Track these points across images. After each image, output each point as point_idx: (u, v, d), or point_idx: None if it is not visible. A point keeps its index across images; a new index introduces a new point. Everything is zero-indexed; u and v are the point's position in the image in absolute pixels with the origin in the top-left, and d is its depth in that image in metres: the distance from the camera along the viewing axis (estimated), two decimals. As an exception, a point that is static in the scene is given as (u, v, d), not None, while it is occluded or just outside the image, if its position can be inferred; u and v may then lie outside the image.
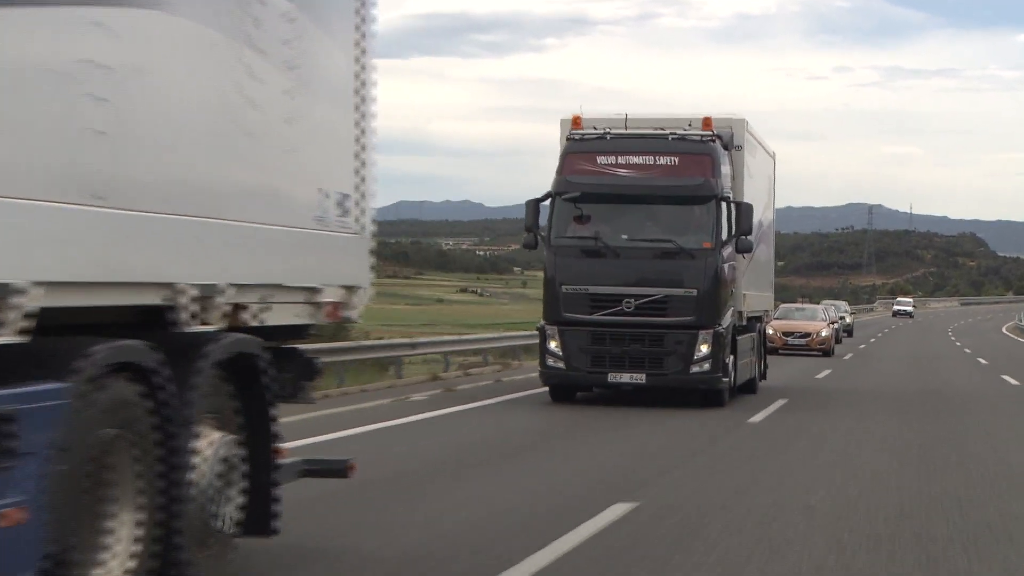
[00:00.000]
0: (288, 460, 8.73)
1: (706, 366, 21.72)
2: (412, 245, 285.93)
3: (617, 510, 11.28)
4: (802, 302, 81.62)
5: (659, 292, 21.68)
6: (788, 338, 45.15)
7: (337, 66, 8.99)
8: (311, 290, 8.70)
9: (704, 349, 21.71)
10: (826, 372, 35.52)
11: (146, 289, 6.77)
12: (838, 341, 55.57)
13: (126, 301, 6.63)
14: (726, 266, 22.21)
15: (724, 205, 22.01)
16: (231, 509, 7.66)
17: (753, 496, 12.47)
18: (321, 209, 8.71)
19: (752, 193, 24.51)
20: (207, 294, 7.28)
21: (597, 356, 21.84)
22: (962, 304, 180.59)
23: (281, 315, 8.29)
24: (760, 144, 26.17)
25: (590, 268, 21.94)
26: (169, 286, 6.93)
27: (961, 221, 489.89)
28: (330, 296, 8.98)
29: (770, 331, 44.81)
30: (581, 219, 22.15)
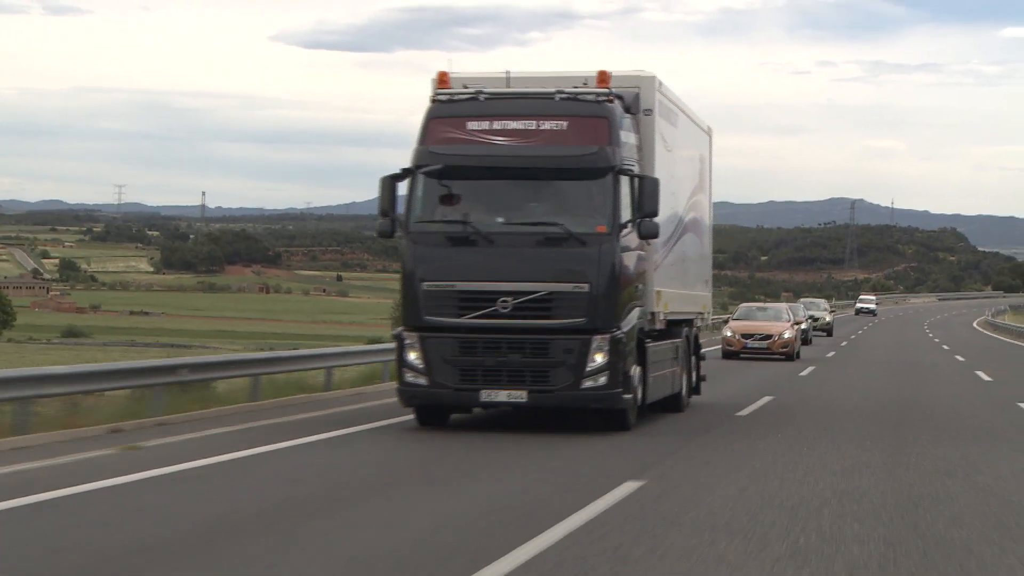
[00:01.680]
0: None
1: (601, 379, 17.49)
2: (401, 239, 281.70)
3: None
4: (786, 296, 79.22)
5: (542, 288, 17.45)
6: (748, 340, 41.21)
7: None
8: None
9: (599, 359, 17.47)
10: (765, 399, 31.41)
11: None
12: (807, 342, 51.82)
13: None
14: (628, 255, 18.00)
15: (625, 180, 17.79)
16: None
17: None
18: None
19: (669, 169, 20.31)
20: None
21: (467, 369, 17.59)
22: (940, 300, 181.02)
23: None
24: (683, 112, 21.90)
25: (457, 259, 17.70)
26: None
27: (942, 216, 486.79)
28: None
29: (728, 333, 41.44)
30: (447, 199, 17.92)
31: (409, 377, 17.74)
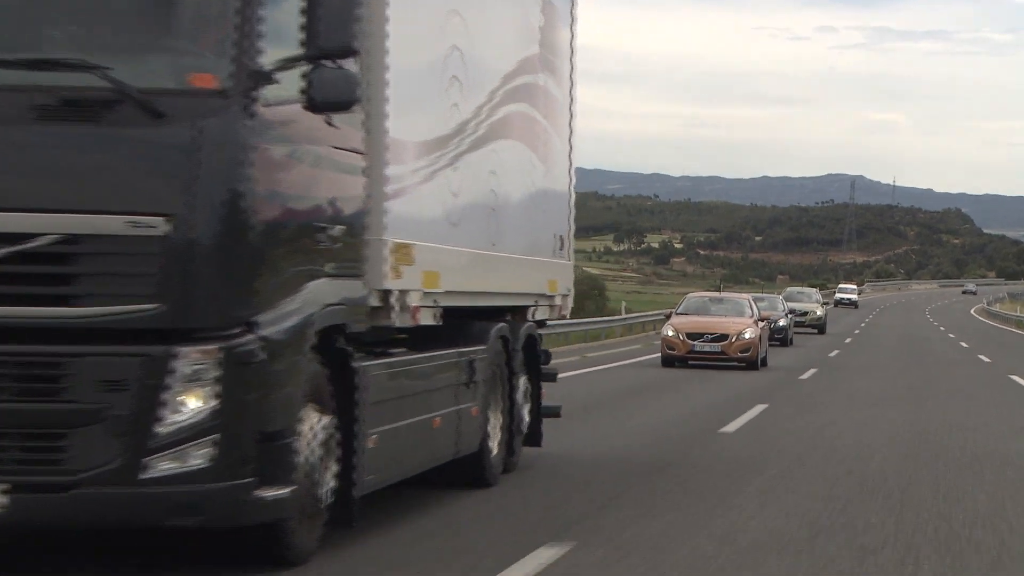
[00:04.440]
0: None
1: (199, 456, 7.01)
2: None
3: None
4: (782, 280, 70.72)
5: (53, 225, 7.03)
6: (695, 342, 30.81)
7: None
8: None
9: (192, 403, 7.01)
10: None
11: None
12: (787, 343, 41.88)
13: None
14: (288, 150, 7.55)
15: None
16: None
17: None
18: None
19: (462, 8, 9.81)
20: None
21: None
22: (941, 286, 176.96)
23: None
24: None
25: None
26: None
27: (946, 195, 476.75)
28: None
29: (669, 332, 31.38)
30: None
31: None
